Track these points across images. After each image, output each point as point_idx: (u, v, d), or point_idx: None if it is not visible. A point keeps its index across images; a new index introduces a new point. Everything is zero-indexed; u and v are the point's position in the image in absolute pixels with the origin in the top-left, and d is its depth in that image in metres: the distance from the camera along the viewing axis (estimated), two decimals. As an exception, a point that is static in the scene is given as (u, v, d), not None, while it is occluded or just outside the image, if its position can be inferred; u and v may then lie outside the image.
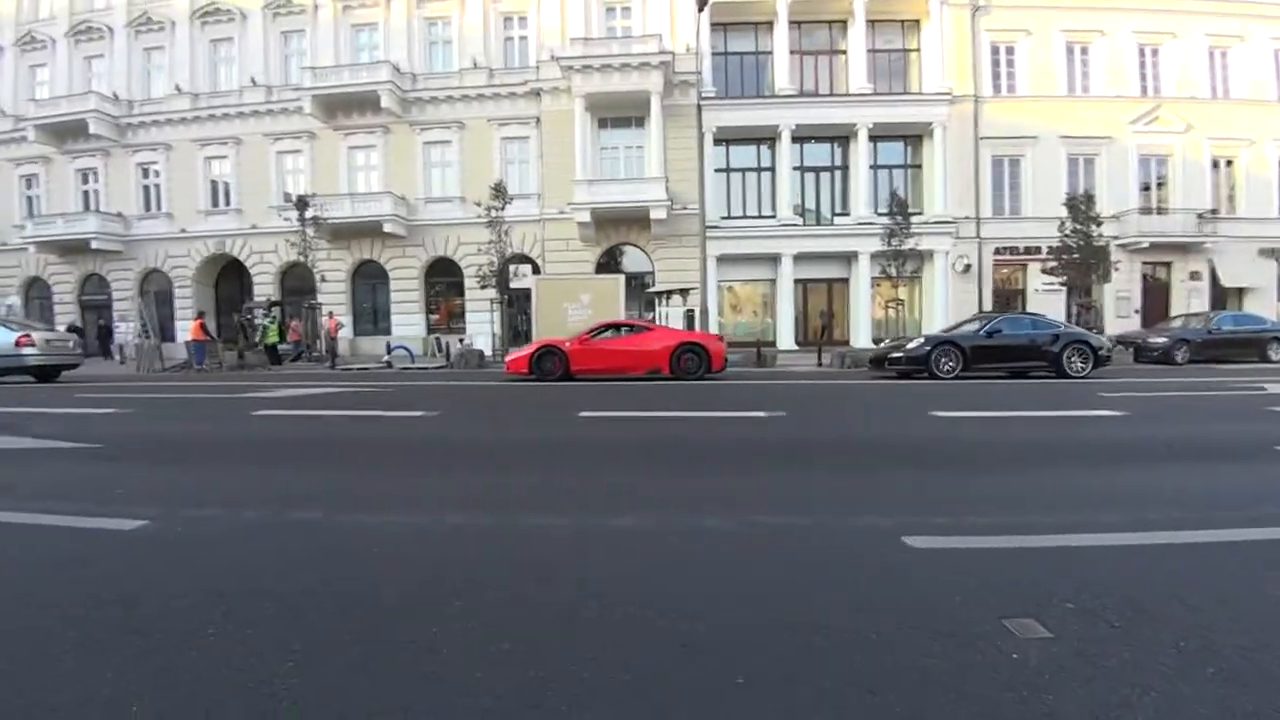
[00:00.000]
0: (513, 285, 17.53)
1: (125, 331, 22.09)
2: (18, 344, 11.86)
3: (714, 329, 17.64)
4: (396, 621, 1.96)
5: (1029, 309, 19.66)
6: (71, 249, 22.42)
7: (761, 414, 6.31)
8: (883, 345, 13.46)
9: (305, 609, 2.04)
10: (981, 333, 11.31)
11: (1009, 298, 20.70)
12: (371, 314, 22.38)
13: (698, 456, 4.60)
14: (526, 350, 11.47)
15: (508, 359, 11.89)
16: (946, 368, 10.74)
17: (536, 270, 19.32)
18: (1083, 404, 7.13)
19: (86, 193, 23.15)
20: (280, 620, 1.96)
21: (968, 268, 20.15)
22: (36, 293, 24.05)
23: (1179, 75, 20.46)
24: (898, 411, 6.96)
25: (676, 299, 15.92)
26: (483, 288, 18.01)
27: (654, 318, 17.20)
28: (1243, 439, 5.04)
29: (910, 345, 11.36)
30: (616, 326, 12.01)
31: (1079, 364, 10.83)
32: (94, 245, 21.89)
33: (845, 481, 3.77)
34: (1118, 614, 1.94)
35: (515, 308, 18.10)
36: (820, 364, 14.71)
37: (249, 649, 1.78)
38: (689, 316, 15.60)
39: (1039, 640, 1.77)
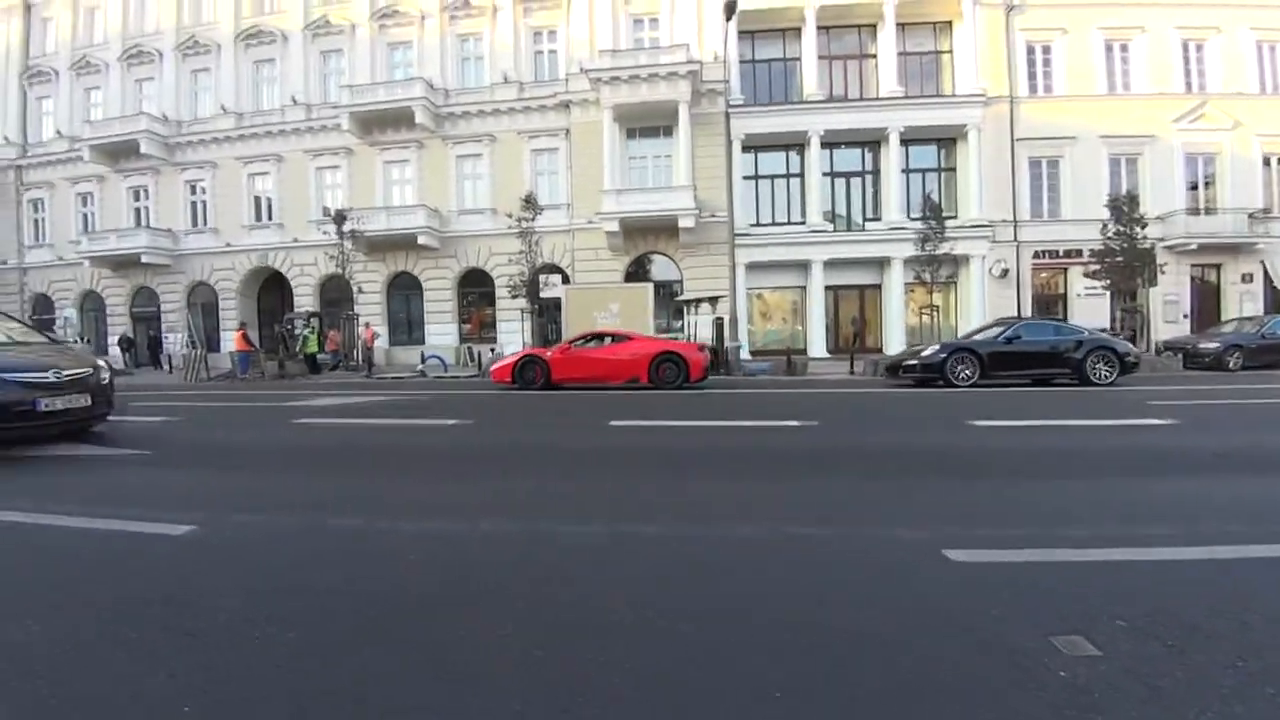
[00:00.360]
0: (543, 295, 17.74)
1: (173, 342, 23.01)
2: None
3: (743, 337, 17.56)
4: (430, 623, 1.99)
5: (1070, 314, 19.10)
6: (124, 263, 23.45)
7: (794, 423, 6.23)
8: (899, 353, 13.20)
9: (342, 610, 2.09)
10: (1000, 339, 11.01)
11: (1049, 303, 20.09)
12: (406, 324, 22.84)
13: (732, 466, 4.56)
14: (510, 360, 11.63)
15: (493, 368, 12.08)
16: (962, 375, 10.45)
17: (566, 280, 19.48)
18: (1130, 412, 6.87)
19: (138, 210, 24.20)
20: (320, 621, 2.02)
21: (1005, 272, 19.63)
22: (91, 305, 25.18)
23: (1225, 71, 19.68)
24: (936, 421, 6.80)
25: (705, 307, 15.88)
26: (514, 297, 18.25)
27: (683, 326, 17.19)
28: (1303, 449, 4.80)
29: (925, 352, 11.09)
30: (599, 336, 12.10)
31: (1104, 371, 10.41)
32: (144, 259, 22.85)
33: (882, 492, 3.70)
34: (1170, 631, 1.87)
35: (546, 317, 18.27)
36: (853, 372, 14.49)
37: (291, 650, 1.83)
38: (718, 325, 15.53)
39: (1088, 658, 1.71)
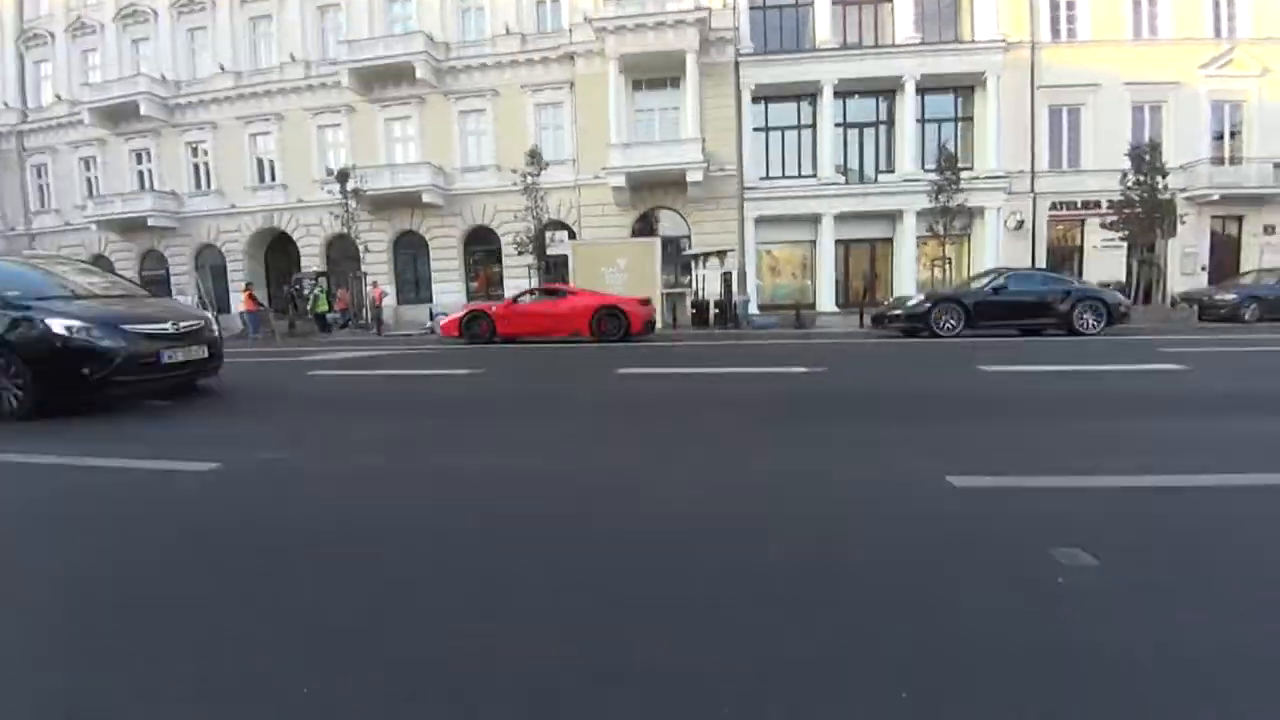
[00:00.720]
0: (549, 252, 17.64)
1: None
2: None
3: (751, 293, 17.45)
4: (462, 553, 2.07)
5: (1085, 267, 18.82)
6: (130, 227, 23.46)
7: (801, 369, 6.26)
8: (887, 303, 13.26)
9: (363, 540, 2.19)
10: (987, 289, 11.11)
11: (1064, 255, 19.75)
12: (414, 282, 22.84)
13: (738, 409, 4.61)
14: (456, 315, 11.93)
15: (441, 323, 12.37)
16: (947, 325, 10.58)
17: (573, 236, 19.33)
18: (1141, 359, 6.85)
19: (141, 172, 24.06)
20: (345, 553, 2.11)
21: (1020, 224, 19.25)
22: (102, 270, 25.28)
23: (1255, 14, 18.80)
24: (945, 367, 6.80)
25: (714, 262, 15.75)
26: (520, 254, 18.16)
27: (690, 281, 17.09)
28: (1315, 391, 4.78)
29: (910, 302, 11.24)
30: (546, 290, 12.32)
31: (1091, 320, 10.56)
32: (150, 223, 22.85)
33: (890, 430, 3.73)
34: (1170, 547, 1.92)
35: (553, 274, 18.22)
36: (862, 325, 14.43)
37: (320, 580, 1.92)
38: (725, 279, 15.43)
39: (1086, 567, 1.76)
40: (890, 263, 20.32)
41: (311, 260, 22.58)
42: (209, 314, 6.15)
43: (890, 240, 20.24)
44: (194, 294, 23.05)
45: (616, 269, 15.22)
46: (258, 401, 5.58)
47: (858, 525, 2.18)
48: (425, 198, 20.63)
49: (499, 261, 21.58)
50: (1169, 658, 1.33)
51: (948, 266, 18.40)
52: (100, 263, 24.84)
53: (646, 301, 12.39)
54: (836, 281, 20.23)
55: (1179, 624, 1.47)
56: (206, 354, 5.53)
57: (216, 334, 5.81)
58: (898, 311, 11.37)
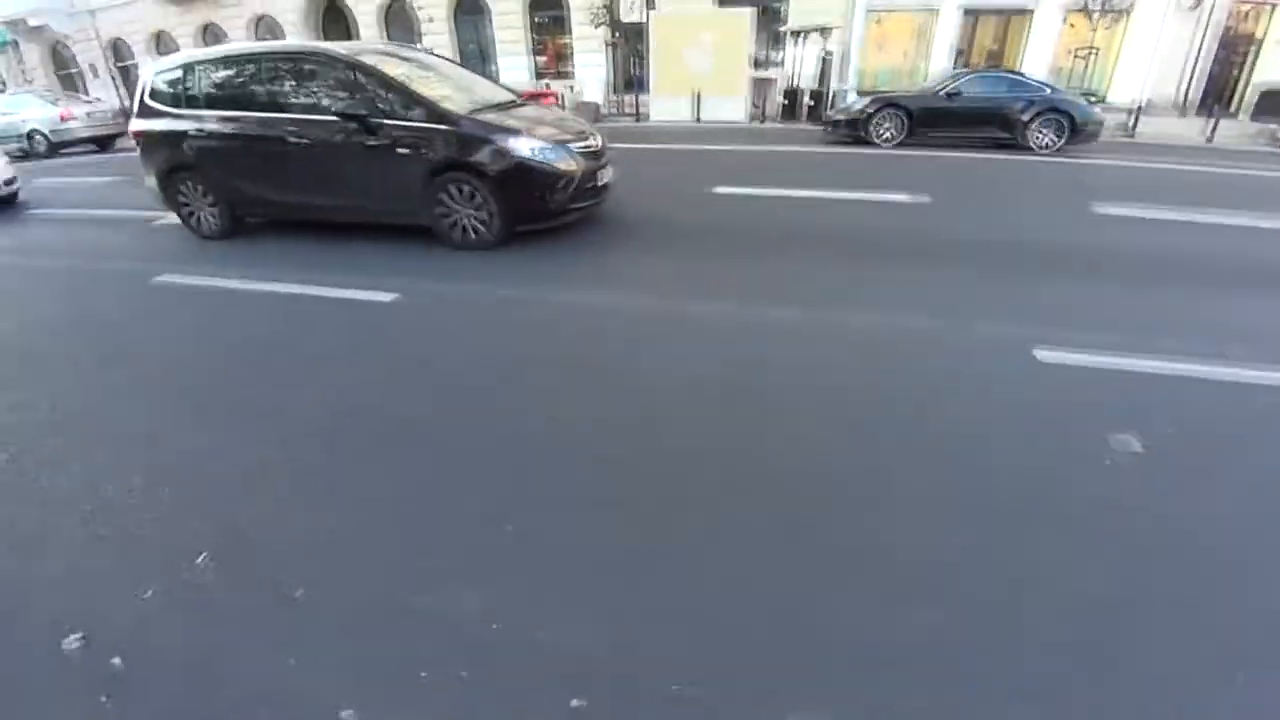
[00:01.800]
0: (623, 20, 15.95)
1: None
2: (62, 119, 13.62)
3: (852, 78, 15.60)
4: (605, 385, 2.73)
5: (1261, 62, 15.39)
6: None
7: (904, 197, 6.13)
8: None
9: (527, 362, 2.88)
10: (940, 93, 9.88)
11: (1235, 45, 15.96)
12: (479, 56, 21.42)
13: (832, 245, 4.73)
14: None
15: None
16: (885, 134, 9.74)
17: (651, 5, 17.22)
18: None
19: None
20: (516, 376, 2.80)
21: (1199, 2, 15.38)
22: (164, 47, 24.77)
23: None
24: (1059, 203, 6.26)
25: (814, 38, 13.92)
26: (596, 26, 16.50)
27: (782, 61, 15.40)
28: None
29: (853, 105, 10.30)
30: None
31: (1049, 137, 9.35)
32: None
33: (987, 285, 3.94)
34: (1216, 440, 2.36)
35: (628, 48, 16.66)
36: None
37: (499, 400, 2.63)
38: (823, 62, 13.83)
39: (1133, 454, 2.28)
40: (1022, 44, 17.14)
41: (368, 33, 21.29)
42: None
43: (1029, 14, 16.79)
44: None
45: (701, 46, 13.82)
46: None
47: (942, 398, 2.68)
48: (485, -49, 18.35)
49: (567, 32, 19.73)
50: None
51: (1092, 59, 15.43)
52: (162, 39, 24.34)
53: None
54: (954, 63, 17.47)
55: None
56: (612, 175, 5.22)
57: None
58: (839, 117, 10.42)
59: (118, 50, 25.26)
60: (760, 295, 3.83)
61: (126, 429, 2.69)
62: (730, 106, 13.98)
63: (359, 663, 1.58)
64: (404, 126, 4.52)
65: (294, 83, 4.89)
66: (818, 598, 1.71)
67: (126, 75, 25.33)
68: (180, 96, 5.29)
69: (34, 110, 13.88)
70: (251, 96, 5.00)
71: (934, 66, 17.37)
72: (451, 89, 5.01)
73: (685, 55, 13.81)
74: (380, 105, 4.57)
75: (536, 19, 20.35)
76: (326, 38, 23.04)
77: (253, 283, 4.39)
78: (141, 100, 5.47)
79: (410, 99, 4.55)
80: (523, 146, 4.45)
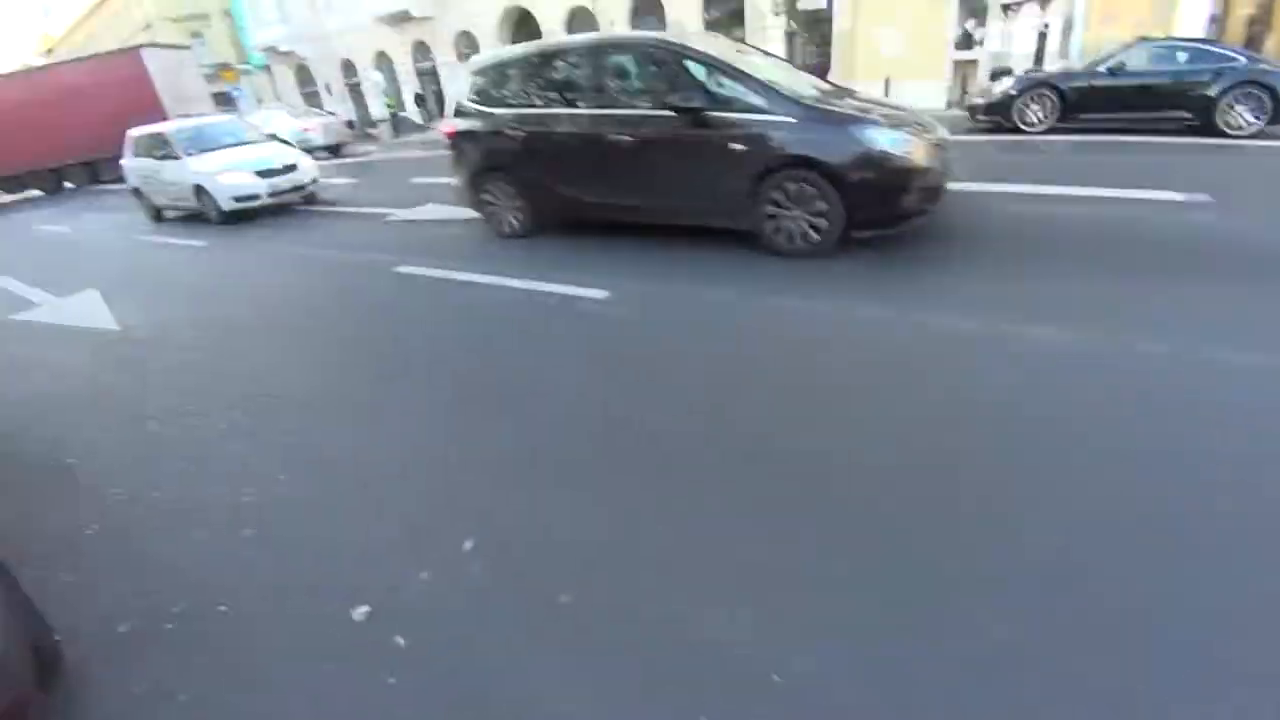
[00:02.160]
0: (800, 6, 15.18)
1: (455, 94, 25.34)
2: (304, 130, 16.90)
3: (1075, 53, 13.43)
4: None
5: None
6: (398, 19, 25.37)
7: (1177, 196, 4.95)
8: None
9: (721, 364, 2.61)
10: (1102, 70, 8.33)
11: None
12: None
13: (1090, 253, 3.87)
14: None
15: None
16: (1033, 118, 8.54)
17: (834, -14, 16.25)
18: None
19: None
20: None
21: None
22: (383, 65, 28.12)
23: None
24: None
25: (1029, 9, 12.18)
26: (776, 15, 15.94)
27: (983, 41, 13.70)
28: None
29: (993, 88, 9.20)
30: None
31: (1247, 117, 7.50)
32: (413, 13, 24.39)
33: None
34: None
35: (809, 34, 15.85)
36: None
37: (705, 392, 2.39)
38: (1041, 38, 12.02)
39: None
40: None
41: (554, 35, 22.55)
42: None
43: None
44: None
45: (895, 25, 12.73)
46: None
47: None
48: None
49: (742, 24, 19.31)
50: None
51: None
52: (382, 59, 27.72)
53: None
54: (1207, 24, 14.43)
55: None
56: None
57: None
58: (980, 100, 9.30)
59: (347, 69, 29.23)
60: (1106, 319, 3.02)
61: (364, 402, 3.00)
62: (926, 91, 12.73)
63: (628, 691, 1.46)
64: (741, 118, 4.04)
65: (614, 76, 4.61)
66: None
67: (354, 91, 29.26)
68: (496, 96, 5.16)
69: (282, 122, 16.93)
70: (569, 92, 4.77)
71: (1179, 30, 14.49)
72: (781, 75, 4.43)
73: (876, 36, 12.82)
74: (715, 95, 4.13)
75: (712, 14, 20.18)
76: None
77: (533, 282, 4.36)
78: (457, 102, 5.51)
79: (751, 86, 4.06)
80: (881, 137, 3.78)
